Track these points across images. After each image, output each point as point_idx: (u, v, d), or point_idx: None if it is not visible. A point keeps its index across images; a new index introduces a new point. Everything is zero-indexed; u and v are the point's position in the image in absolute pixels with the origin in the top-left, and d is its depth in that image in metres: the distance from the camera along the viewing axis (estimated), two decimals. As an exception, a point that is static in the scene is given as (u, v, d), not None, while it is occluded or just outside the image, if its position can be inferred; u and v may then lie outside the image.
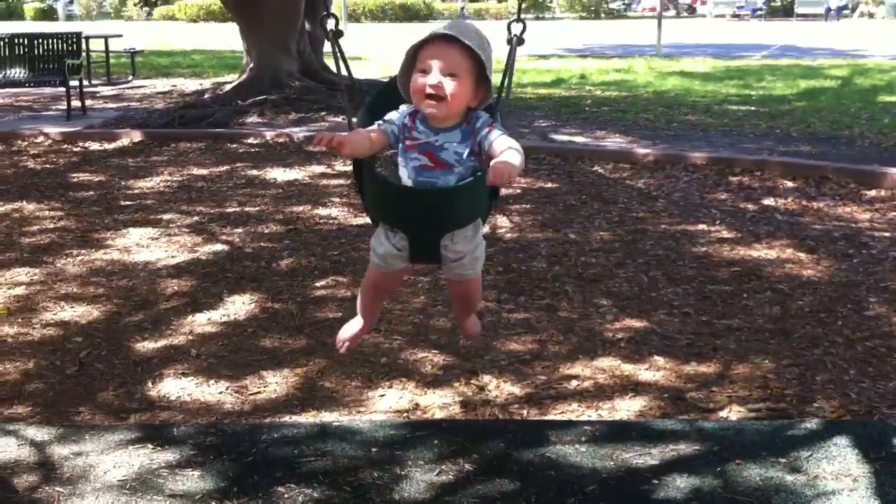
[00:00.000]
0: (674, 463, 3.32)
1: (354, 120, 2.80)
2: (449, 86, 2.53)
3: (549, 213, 7.01)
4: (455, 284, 2.88)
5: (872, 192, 7.49)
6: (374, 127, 2.63)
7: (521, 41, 2.88)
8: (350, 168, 8.54)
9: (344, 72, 2.80)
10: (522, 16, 2.84)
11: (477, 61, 2.57)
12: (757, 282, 5.40)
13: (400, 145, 2.64)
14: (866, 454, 3.35)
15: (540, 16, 50.34)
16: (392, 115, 2.66)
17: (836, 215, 6.92)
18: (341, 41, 2.82)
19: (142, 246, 6.25)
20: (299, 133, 10.37)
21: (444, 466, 3.30)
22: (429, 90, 2.54)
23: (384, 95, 2.85)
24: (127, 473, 3.26)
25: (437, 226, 2.68)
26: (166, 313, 4.99)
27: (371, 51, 21.40)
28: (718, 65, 18.01)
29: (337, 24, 2.88)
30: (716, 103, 12.52)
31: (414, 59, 2.61)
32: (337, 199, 7.50)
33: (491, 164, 2.49)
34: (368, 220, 6.83)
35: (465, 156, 2.61)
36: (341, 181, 8.23)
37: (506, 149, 2.53)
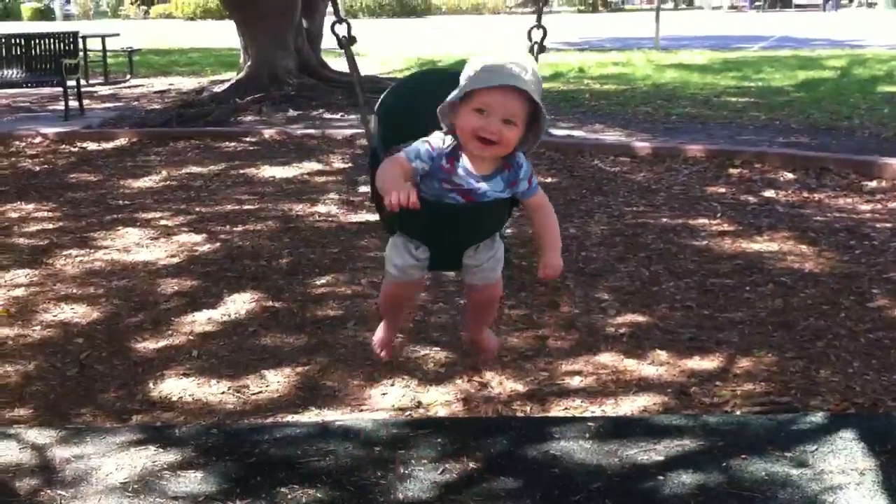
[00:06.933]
0: (678, 459, 3.30)
1: (372, 122, 2.83)
2: (506, 133, 2.46)
3: (549, 207, 6.97)
4: (476, 290, 2.85)
5: (873, 183, 7.46)
6: (403, 159, 2.50)
7: (542, 48, 2.86)
8: (348, 166, 8.53)
9: (356, 85, 2.92)
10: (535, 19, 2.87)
11: (533, 106, 2.49)
12: (759, 274, 5.37)
13: (433, 182, 2.55)
14: (872, 447, 3.33)
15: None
16: (420, 151, 2.52)
17: (837, 207, 6.90)
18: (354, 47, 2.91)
19: (141, 246, 6.23)
20: (297, 130, 10.35)
21: (447, 465, 3.28)
22: (485, 135, 2.46)
23: (398, 98, 2.84)
24: (129, 475, 3.25)
25: (466, 239, 2.67)
26: (166, 313, 4.98)
27: (369, 46, 21.34)
28: (716, 57, 17.95)
29: (349, 30, 2.90)
30: (714, 95, 12.48)
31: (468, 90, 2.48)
32: (335, 197, 7.47)
33: (543, 262, 2.71)
34: (366, 218, 6.71)
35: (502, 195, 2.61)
36: (339, 178, 8.20)
37: (547, 224, 2.73)
